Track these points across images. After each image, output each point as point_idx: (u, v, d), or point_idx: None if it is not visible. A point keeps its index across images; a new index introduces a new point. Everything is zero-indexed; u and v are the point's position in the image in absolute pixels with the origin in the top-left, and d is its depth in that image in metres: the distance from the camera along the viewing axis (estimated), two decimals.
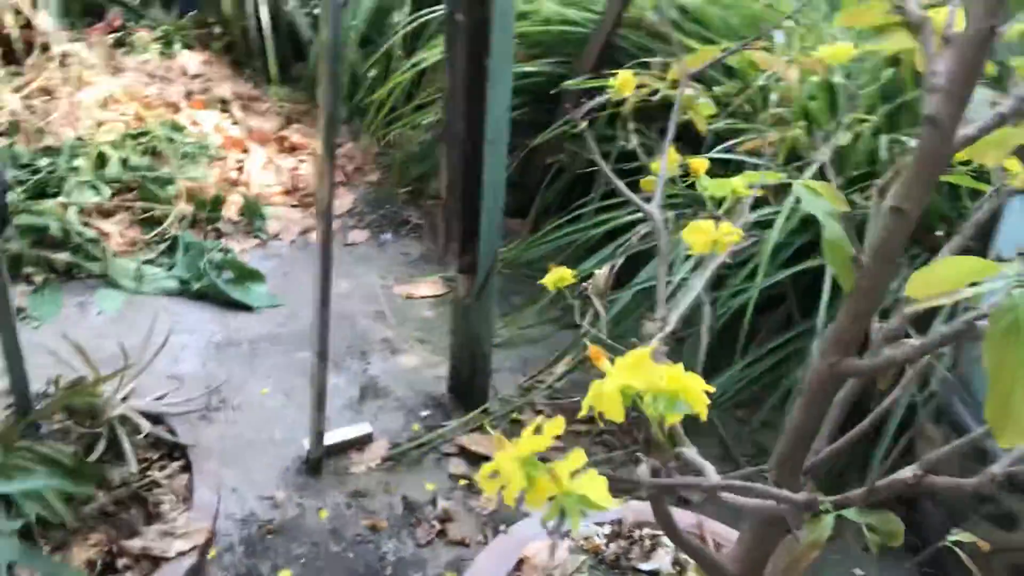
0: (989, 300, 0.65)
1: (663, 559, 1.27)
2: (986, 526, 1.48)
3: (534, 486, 0.37)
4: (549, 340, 2.06)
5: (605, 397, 0.42)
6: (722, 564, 0.98)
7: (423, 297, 2.17)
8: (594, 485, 0.36)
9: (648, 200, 1.00)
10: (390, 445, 1.73)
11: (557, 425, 0.41)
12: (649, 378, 0.42)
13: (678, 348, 1.66)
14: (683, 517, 1.34)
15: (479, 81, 1.43)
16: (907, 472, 0.82)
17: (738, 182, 0.78)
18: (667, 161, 0.98)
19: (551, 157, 2.24)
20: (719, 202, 0.86)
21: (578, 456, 0.38)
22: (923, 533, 1.58)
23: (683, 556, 1.27)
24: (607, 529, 1.31)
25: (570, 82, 2.08)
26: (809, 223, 1.72)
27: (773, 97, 1.63)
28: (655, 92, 1.21)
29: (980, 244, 1.43)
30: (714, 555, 0.99)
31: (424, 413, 1.82)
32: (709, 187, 0.76)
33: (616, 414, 0.43)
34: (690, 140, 2.01)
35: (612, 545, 1.28)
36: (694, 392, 0.42)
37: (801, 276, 1.75)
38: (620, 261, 1.90)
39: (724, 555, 1.00)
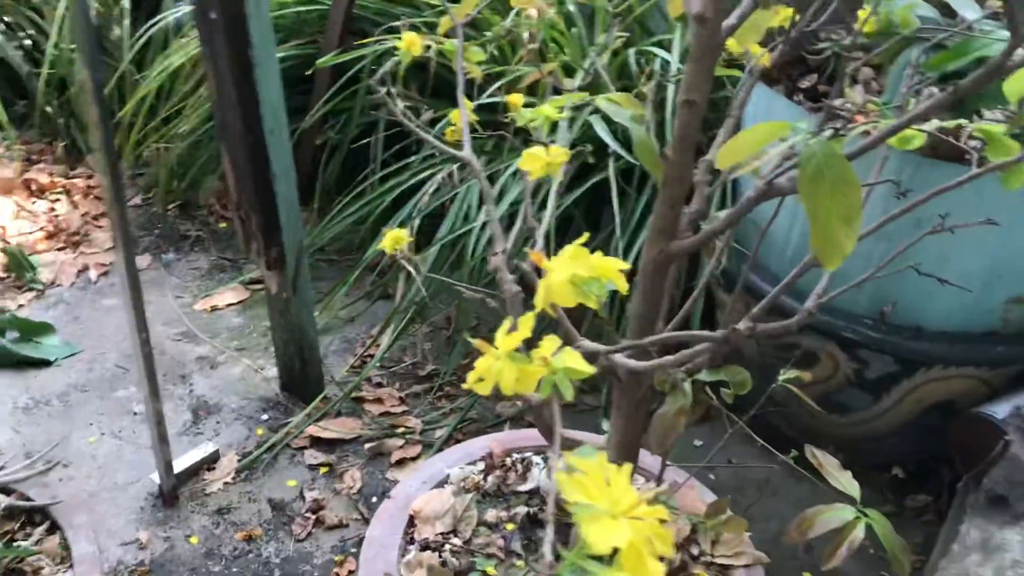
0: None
1: (538, 476, 1.36)
2: (796, 368, 1.68)
3: (526, 373, 0.42)
4: (366, 315, 2.08)
5: (556, 288, 0.47)
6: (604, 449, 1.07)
7: (228, 306, 2.12)
8: (572, 358, 0.42)
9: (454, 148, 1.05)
10: (239, 456, 1.71)
11: (529, 319, 0.46)
12: (590, 265, 0.47)
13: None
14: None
15: (247, 74, 1.42)
16: (742, 325, 0.94)
17: (548, 108, 0.85)
18: (464, 108, 1.04)
19: (320, 138, 2.24)
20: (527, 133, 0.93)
21: (552, 339, 0.43)
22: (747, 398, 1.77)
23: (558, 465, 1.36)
24: (480, 466, 1.38)
25: (321, 60, 2.09)
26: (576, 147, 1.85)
27: (525, 35, 1.72)
28: (428, 48, 1.26)
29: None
30: (595, 443, 1.08)
31: (264, 417, 1.81)
32: (525, 115, 0.83)
33: (569, 300, 0.48)
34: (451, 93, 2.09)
35: (489, 478, 1.35)
36: (617, 274, 0.48)
37: (582, 197, 1.88)
38: (417, 221, 1.96)
39: (602, 443, 1.10)
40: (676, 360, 0.98)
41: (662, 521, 0.39)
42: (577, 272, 0.47)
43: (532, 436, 1.44)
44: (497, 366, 0.43)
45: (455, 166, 1.97)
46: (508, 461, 1.39)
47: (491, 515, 1.29)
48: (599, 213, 1.87)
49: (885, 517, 1.72)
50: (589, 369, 0.42)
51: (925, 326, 1.53)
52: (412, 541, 1.26)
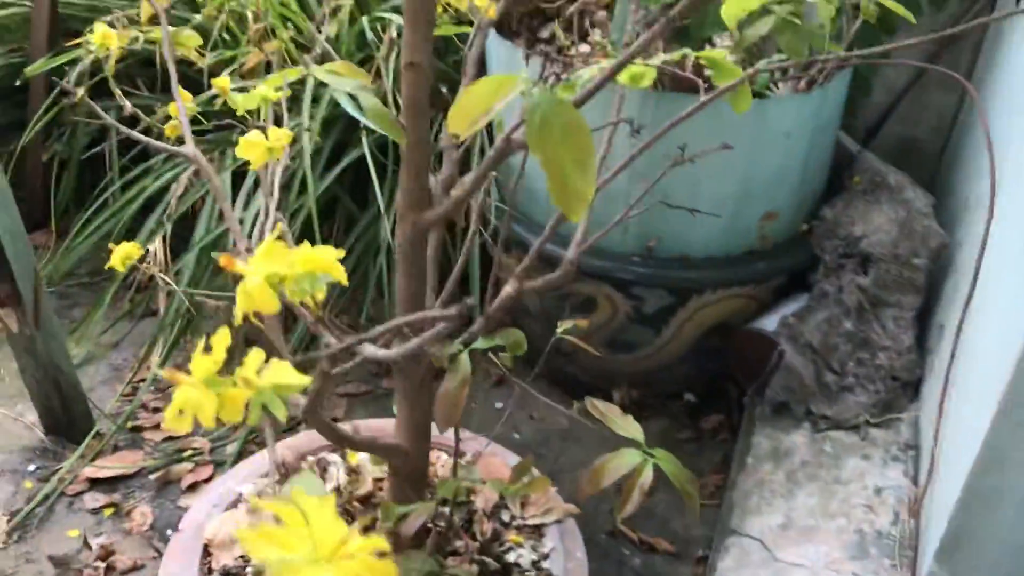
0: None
1: (336, 474, 1.30)
2: (578, 316, 1.70)
3: (228, 399, 0.36)
4: (131, 337, 1.93)
5: (254, 293, 0.41)
6: (394, 443, 1.03)
7: None
8: (282, 371, 0.36)
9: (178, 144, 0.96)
10: (8, 516, 1.54)
11: (225, 336, 0.40)
12: (291, 261, 0.42)
13: None
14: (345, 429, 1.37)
15: None
16: (508, 288, 0.92)
17: (265, 89, 0.78)
18: (182, 100, 0.95)
19: (46, 153, 2.04)
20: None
21: (257, 354, 0.37)
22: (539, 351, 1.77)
23: (355, 462, 1.31)
24: (275, 477, 1.30)
25: (31, 67, 1.89)
26: (330, 125, 1.77)
27: (248, 14, 1.62)
28: (136, 40, 1.15)
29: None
30: (383, 440, 1.03)
31: (32, 468, 1.64)
32: (240, 101, 0.75)
33: (271, 305, 0.43)
34: (186, 83, 1.95)
35: (285, 487, 1.28)
36: (332, 264, 0.43)
37: (343, 175, 1.81)
38: (169, 227, 1.82)
39: (392, 435, 1.05)
40: (421, 341, 0.95)
41: (381, 553, 0.34)
42: (276, 271, 0.41)
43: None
44: (194, 396, 0.37)
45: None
46: (303, 467, 1.32)
47: None
48: (365, 191, 1.81)
49: (683, 444, 1.79)
50: (303, 380, 0.37)
51: (691, 255, 1.58)
52: (210, 571, 1.17)
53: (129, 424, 1.69)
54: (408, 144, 0.84)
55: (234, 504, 1.26)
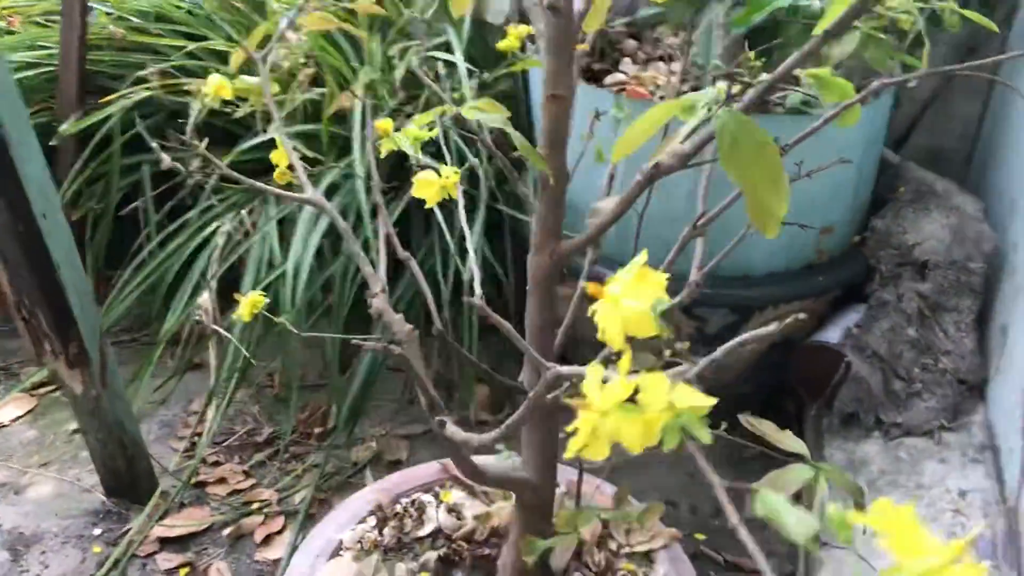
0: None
1: (435, 515, 1.28)
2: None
3: (647, 424, 0.36)
4: (178, 393, 1.90)
5: (634, 318, 0.41)
6: (524, 477, 1.02)
7: (14, 421, 1.86)
8: (688, 394, 0.36)
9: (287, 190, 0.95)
10: None
11: (625, 362, 0.39)
12: (655, 288, 0.42)
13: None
14: (431, 469, 1.36)
15: (2, 153, 1.24)
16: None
17: (414, 130, 0.78)
18: (288, 146, 0.94)
19: (77, 212, 2.02)
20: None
21: (659, 377, 0.37)
22: None
23: (454, 501, 1.30)
24: (371, 522, 1.29)
25: (65, 127, 1.87)
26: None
27: (299, 59, 1.62)
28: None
29: None
30: (515, 475, 1.02)
31: (97, 531, 1.60)
32: (398, 141, 0.75)
33: (648, 330, 0.42)
34: (217, 137, 1.94)
35: (386, 532, 1.26)
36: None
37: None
38: (214, 283, 1.80)
39: (519, 468, 1.04)
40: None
41: None
42: (647, 298, 0.41)
43: (415, 476, 1.36)
44: (609, 423, 0.37)
45: (244, 212, 1.84)
46: (399, 508, 1.31)
47: (401, 570, 1.20)
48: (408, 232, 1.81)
49: (750, 462, 1.78)
50: (709, 401, 0.37)
51: (752, 273, 1.59)
52: None
53: (192, 480, 1.66)
54: (551, 175, 0.85)
55: (335, 552, 1.24)
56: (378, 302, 0.89)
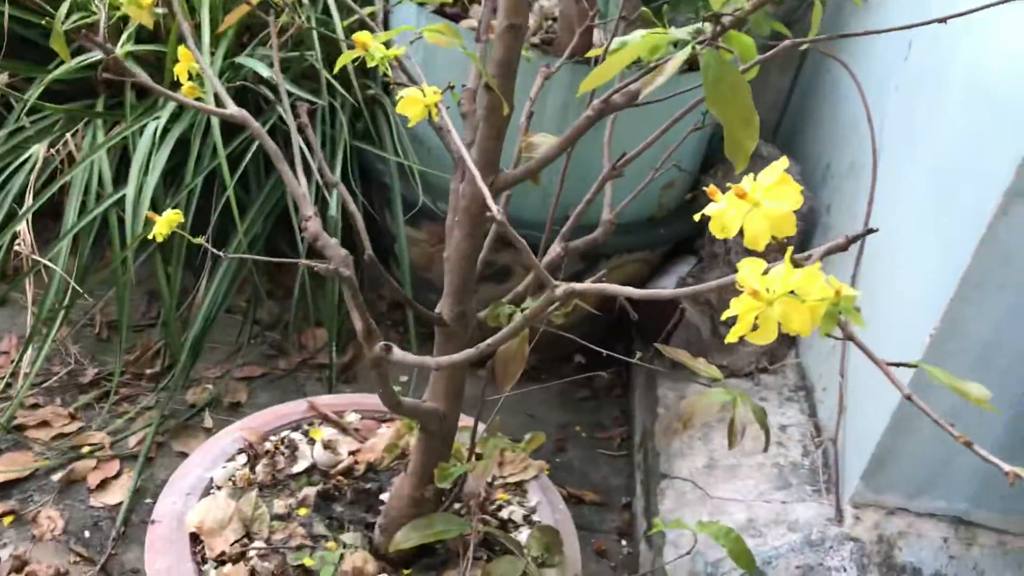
0: None
1: (308, 451, 1.27)
2: (492, 284, 1.74)
3: (809, 311, 0.38)
4: None
5: (778, 219, 0.43)
6: (434, 407, 1.03)
7: None
8: (844, 286, 0.39)
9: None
10: None
11: (788, 256, 0.41)
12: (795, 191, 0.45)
13: None
14: (335, 400, 1.35)
15: None
16: (555, 247, 0.96)
17: (394, 49, 0.76)
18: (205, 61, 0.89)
19: None
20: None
21: (816, 270, 0.39)
22: None
23: (320, 437, 1.28)
24: (241, 459, 1.25)
25: None
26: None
27: None
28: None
29: None
30: (423, 403, 1.03)
31: None
32: (376, 57, 0.73)
33: (791, 229, 0.45)
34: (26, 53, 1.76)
35: (259, 469, 1.23)
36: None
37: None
38: (30, 216, 1.65)
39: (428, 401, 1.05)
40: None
41: None
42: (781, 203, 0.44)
43: (280, 414, 1.33)
44: (778, 310, 0.39)
45: (70, 136, 1.69)
46: (268, 446, 1.28)
47: (279, 506, 1.18)
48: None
49: (582, 402, 1.88)
50: (857, 293, 0.40)
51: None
52: (205, 560, 1.11)
53: (10, 424, 1.53)
54: (493, 105, 0.86)
55: (207, 491, 1.20)
56: (312, 225, 0.86)
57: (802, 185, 1.74)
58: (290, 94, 1.60)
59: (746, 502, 1.47)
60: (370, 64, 0.74)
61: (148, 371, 1.69)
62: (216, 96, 0.89)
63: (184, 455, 1.56)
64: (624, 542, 1.59)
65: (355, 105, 1.65)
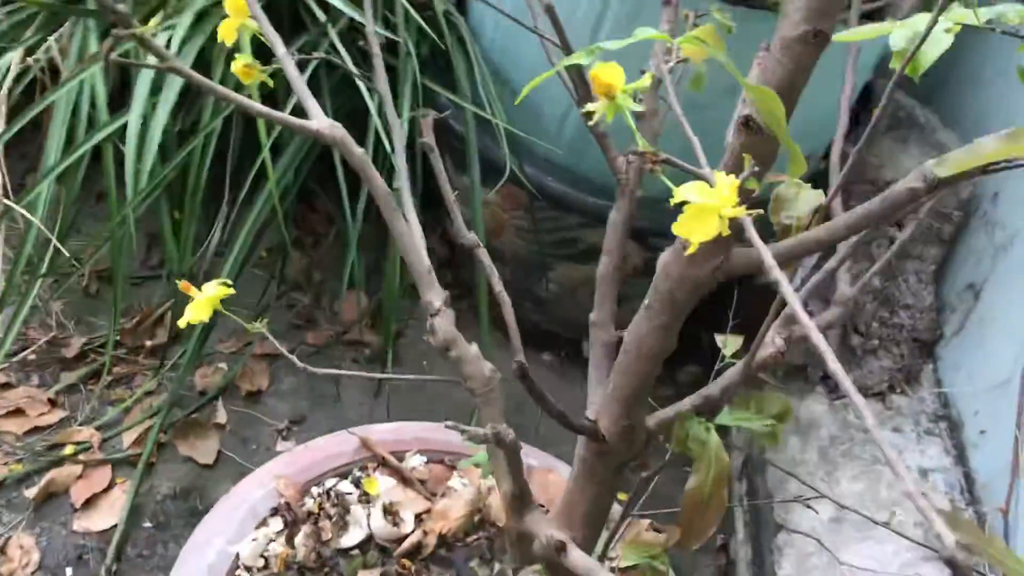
0: None
1: (363, 516, 0.97)
2: (568, 264, 1.43)
3: None
4: None
5: None
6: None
7: None
8: None
9: None
10: None
11: None
12: None
13: None
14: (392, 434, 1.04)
15: None
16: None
17: None
18: None
19: None
20: None
21: None
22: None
23: (384, 495, 0.98)
24: (275, 524, 0.95)
25: None
26: None
27: None
28: None
29: None
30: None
31: None
32: None
33: None
34: None
35: (298, 541, 0.93)
36: None
37: None
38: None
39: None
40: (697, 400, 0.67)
41: None
42: None
43: (324, 453, 1.03)
44: None
45: (53, 41, 1.32)
46: (310, 504, 0.98)
47: None
48: None
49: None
50: None
51: None
52: None
53: None
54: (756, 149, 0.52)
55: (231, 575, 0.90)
56: (442, 324, 0.53)
57: None
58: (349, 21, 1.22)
59: (885, 575, 1.20)
60: None
61: (149, 342, 1.37)
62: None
63: (191, 461, 1.26)
64: None
65: (423, 32, 1.28)
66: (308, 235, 1.59)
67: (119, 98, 1.30)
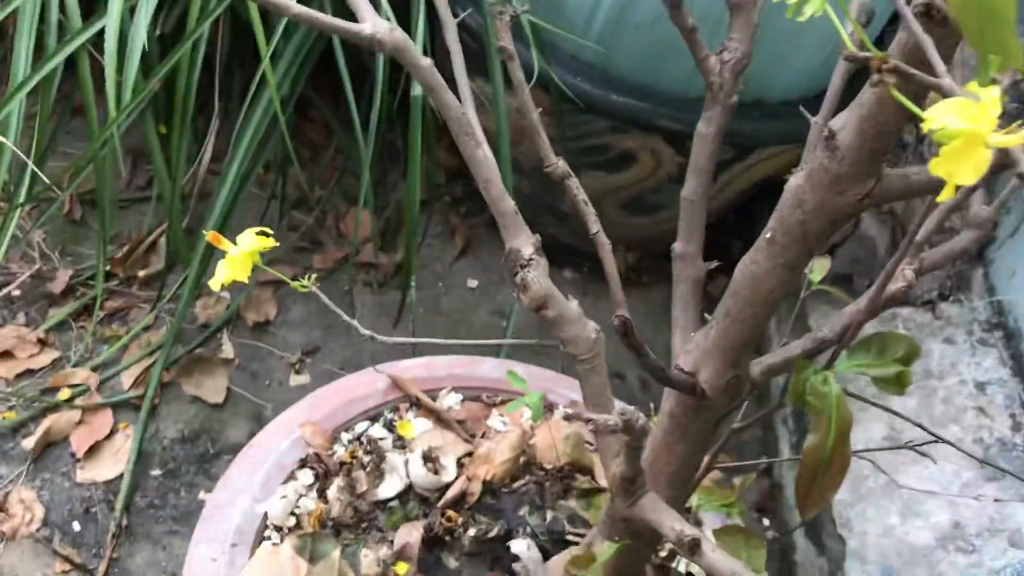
0: None
1: (399, 462, 0.88)
2: (599, 172, 1.31)
3: None
4: None
5: None
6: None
7: None
8: None
9: None
10: None
11: None
12: None
13: None
14: (423, 371, 0.94)
15: None
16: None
17: None
18: None
19: None
20: None
21: None
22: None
23: (421, 439, 0.89)
24: (305, 477, 0.86)
25: None
26: None
27: None
28: None
29: None
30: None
31: None
32: None
33: None
34: None
35: (331, 495, 0.85)
36: None
37: None
38: None
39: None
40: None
41: None
42: None
43: (347, 396, 0.93)
44: None
45: None
46: (341, 453, 0.88)
47: (368, 564, 0.81)
48: None
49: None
50: None
51: (766, 98, 1.22)
52: None
53: None
54: None
55: (260, 536, 0.82)
56: (536, 278, 0.43)
57: None
58: None
59: (947, 497, 1.13)
60: None
61: (142, 272, 1.26)
62: None
63: (198, 400, 1.17)
64: (766, 521, 1.26)
65: None
66: (305, 148, 1.46)
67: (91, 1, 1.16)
